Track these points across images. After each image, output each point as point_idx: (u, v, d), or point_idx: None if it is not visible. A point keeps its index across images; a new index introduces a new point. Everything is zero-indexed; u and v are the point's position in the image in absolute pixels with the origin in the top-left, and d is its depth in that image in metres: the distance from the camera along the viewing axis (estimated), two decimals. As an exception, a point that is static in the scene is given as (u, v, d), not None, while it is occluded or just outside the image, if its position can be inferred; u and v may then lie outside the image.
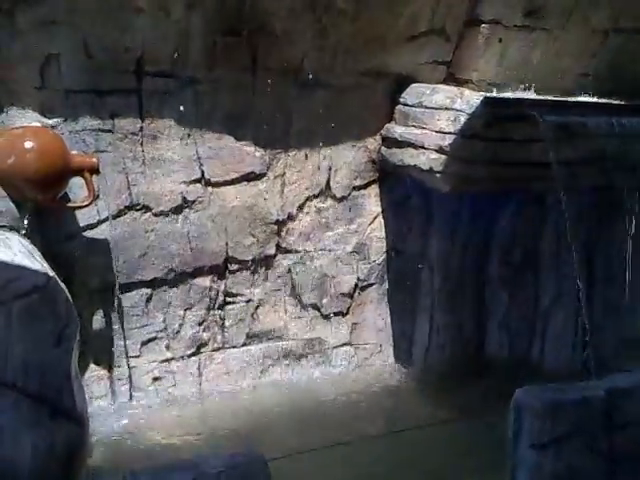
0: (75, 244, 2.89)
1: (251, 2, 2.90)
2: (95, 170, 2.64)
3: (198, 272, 3.22)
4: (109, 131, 2.88)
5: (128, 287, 3.06)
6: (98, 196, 2.77)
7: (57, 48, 2.68)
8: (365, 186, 3.60)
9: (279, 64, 3.13)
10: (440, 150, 3.14)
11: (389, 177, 3.63)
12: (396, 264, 3.79)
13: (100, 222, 2.92)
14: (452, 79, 3.57)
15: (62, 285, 2.36)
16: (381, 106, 3.48)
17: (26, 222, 2.52)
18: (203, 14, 2.85)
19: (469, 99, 3.10)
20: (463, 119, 3.07)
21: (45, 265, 2.38)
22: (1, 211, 2.43)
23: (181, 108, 2.98)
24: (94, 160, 2.64)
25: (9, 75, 2.64)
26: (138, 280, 3.08)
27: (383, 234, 3.69)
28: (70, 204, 2.69)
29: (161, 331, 3.20)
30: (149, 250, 3.07)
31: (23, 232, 2.50)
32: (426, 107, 3.28)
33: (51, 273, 2.34)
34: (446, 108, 3.17)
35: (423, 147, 3.23)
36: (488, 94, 3.19)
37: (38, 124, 2.69)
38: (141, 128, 2.95)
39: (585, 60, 3.64)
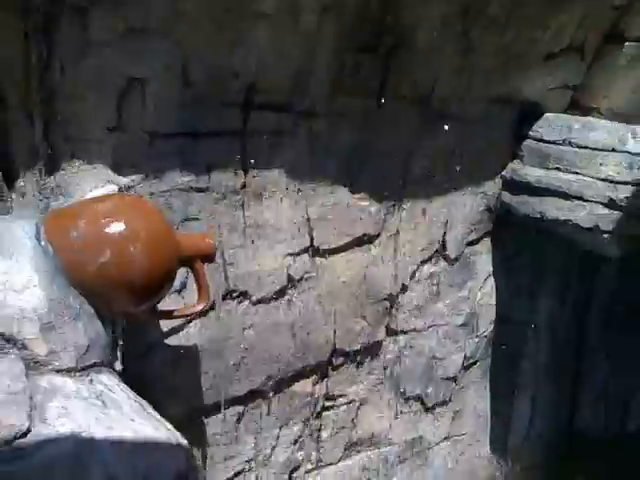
0: (156, 358, 2.06)
1: (395, 8, 2.20)
2: (211, 256, 1.85)
3: (300, 375, 2.49)
4: (204, 190, 2.08)
5: (216, 408, 2.27)
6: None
7: (144, 70, 1.85)
8: (477, 241, 3.02)
9: (411, 90, 2.46)
10: (611, 204, 2.61)
11: (502, 229, 3.07)
12: (502, 334, 3.26)
13: (188, 322, 2.12)
14: (576, 106, 3.07)
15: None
16: (503, 141, 2.91)
17: (119, 353, 1.70)
18: (338, 22, 2.12)
19: (648, 140, 2.61)
20: (645, 166, 2.57)
21: (168, 425, 1.59)
22: (91, 340, 1.58)
23: (293, 153, 2.24)
24: (210, 242, 1.84)
25: (73, 111, 1.78)
26: (230, 397, 2.30)
27: (494, 300, 3.13)
28: (178, 313, 1.86)
29: (251, 460, 2.44)
30: (247, 354, 2.30)
31: (119, 369, 1.68)
32: (579, 146, 2.74)
33: (183, 441, 1.57)
34: (614, 150, 2.65)
35: (581, 198, 2.69)
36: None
37: (114, 187, 1.85)
38: (244, 184, 2.17)
39: None
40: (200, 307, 1.86)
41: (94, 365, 1.60)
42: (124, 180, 1.92)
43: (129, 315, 1.74)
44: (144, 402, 1.66)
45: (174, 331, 2.10)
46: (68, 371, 1.53)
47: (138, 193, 1.96)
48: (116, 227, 1.62)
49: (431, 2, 2.25)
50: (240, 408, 2.35)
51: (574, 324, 3.47)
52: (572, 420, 3.66)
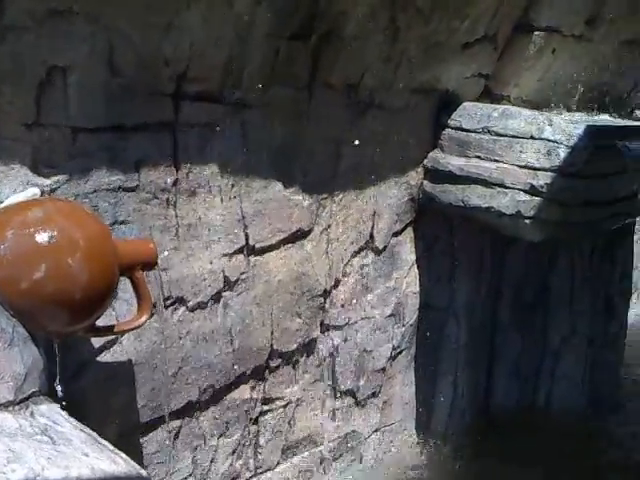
0: (88, 377, 1.85)
1: (330, -7, 2.11)
2: (153, 263, 1.67)
3: (239, 381, 2.36)
4: (132, 190, 1.89)
5: (153, 425, 2.10)
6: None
7: (67, 57, 1.63)
8: (402, 231, 3.01)
9: (340, 80, 2.38)
10: (532, 190, 2.68)
11: (423, 218, 3.08)
12: (424, 321, 3.29)
13: (121, 335, 1.92)
14: (488, 95, 3.13)
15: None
16: (424, 131, 2.91)
17: (58, 378, 1.50)
18: (272, 6, 1.99)
19: (564, 127, 2.68)
20: (562, 153, 2.64)
21: (123, 455, 1.42)
22: (28, 367, 1.37)
23: (226, 146, 2.09)
24: (151, 247, 1.67)
25: (-15, 105, 1.54)
26: (167, 412, 2.12)
27: (417, 288, 3.15)
28: (118, 328, 1.67)
29: (189, 476, 2.29)
30: (183, 364, 2.14)
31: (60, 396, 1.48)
32: (498, 134, 2.78)
33: (142, 471, 1.41)
34: (532, 137, 2.71)
35: (503, 185, 2.74)
36: (588, 121, 2.79)
37: (36, 190, 1.63)
38: (175, 181, 1.99)
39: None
40: (143, 319, 1.68)
41: (32, 395, 1.40)
42: (46, 182, 1.70)
43: (66, 334, 1.54)
44: (92, 432, 1.48)
45: (106, 347, 1.90)
46: (6, 406, 1.33)
47: (62, 195, 1.74)
48: (50, 237, 1.42)
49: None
50: (178, 422, 2.19)
51: (489, 305, 3.57)
52: (489, 397, 3.77)
